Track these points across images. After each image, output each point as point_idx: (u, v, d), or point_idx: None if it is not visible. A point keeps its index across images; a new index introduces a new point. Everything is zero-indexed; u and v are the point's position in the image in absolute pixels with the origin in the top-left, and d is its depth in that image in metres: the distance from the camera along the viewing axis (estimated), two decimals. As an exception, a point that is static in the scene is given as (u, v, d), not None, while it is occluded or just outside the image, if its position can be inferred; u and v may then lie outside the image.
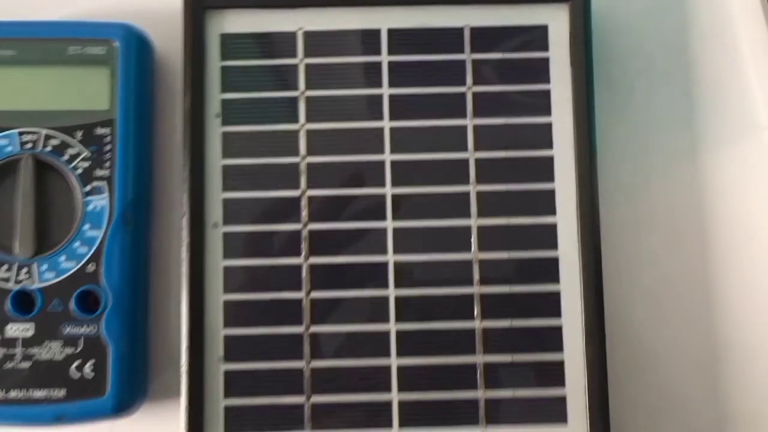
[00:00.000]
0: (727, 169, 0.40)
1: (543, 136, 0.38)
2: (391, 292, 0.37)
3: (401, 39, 0.38)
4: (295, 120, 0.38)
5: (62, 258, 0.36)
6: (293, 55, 0.38)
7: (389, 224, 0.37)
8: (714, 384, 0.39)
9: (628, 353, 0.39)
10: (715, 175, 0.40)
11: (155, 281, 0.39)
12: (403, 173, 0.37)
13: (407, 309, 0.37)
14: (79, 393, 0.36)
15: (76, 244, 0.36)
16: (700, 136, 0.40)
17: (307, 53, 0.38)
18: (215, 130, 0.38)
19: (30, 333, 0.36)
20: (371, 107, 0.38)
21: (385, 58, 0.38)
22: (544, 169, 0.37)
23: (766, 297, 0.39)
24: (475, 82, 0.38)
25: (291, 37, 0.38)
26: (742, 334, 0.39)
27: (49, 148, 0.37)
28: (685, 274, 0.39)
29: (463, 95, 0.38)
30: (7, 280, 0.36)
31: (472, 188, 0.37)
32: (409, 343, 0.37)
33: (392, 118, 0.38)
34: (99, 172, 0.37)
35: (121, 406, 0.36)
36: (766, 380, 0.39)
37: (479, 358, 0.36)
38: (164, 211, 0.39)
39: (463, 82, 0.38)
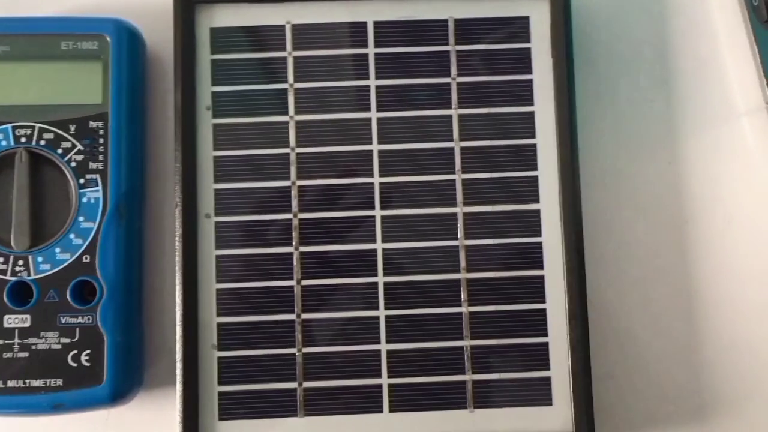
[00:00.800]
0: (706, 154, 0.40)
1: (526, 124, 0.38)
2: (380, 279, 0.37)
3: (387, 31, 0.38)
4: (285, 112, 0.38)
5: (58, 250, 0.37)
6: (282, 48, 0.38)
7: (378, 213, 0.38)
8: (696, 366, 0.39)
9: (611, 337, 0.39)
10: (695, 160, 0.40)
11: (149, 271, 0.39)
12: (390, 163, 0.38)
13: (396, 295, 0.37)
14: (76, 382, 0.36)
15: (71, 235, 0.37)
16: (679, 123, 0.41)
17: (296, 46, 0.38)
18: (206, 123, 0.38)
19: (27, 324, 0.36)
20: (359, 98, 0.38)
21: (371, 50, 0.38)
22: (528, 157, 0.38)
23: (745, 279, 0.40)
24: (460, 73, 0.38)
25: (279, 30, 0.38)
26: (722, 317, 0.39)
27: (43, 142, 0.37)
28: (666, 258, 0.40)
29: (448, 85, 0.38)
30: (3, 272, 0.36)
31: (458, 177, 0.38)
32: (398, 329, 0.37)
33: (379, 108, 0.38)
34: (93, 165, 0.37)
35: (118, 395, 0.36)
36: (746, 362, 0.39)
37: (466, 342, 0.37)
38: (157, 202, 0.39)
39: (447, 73, 0.38)
